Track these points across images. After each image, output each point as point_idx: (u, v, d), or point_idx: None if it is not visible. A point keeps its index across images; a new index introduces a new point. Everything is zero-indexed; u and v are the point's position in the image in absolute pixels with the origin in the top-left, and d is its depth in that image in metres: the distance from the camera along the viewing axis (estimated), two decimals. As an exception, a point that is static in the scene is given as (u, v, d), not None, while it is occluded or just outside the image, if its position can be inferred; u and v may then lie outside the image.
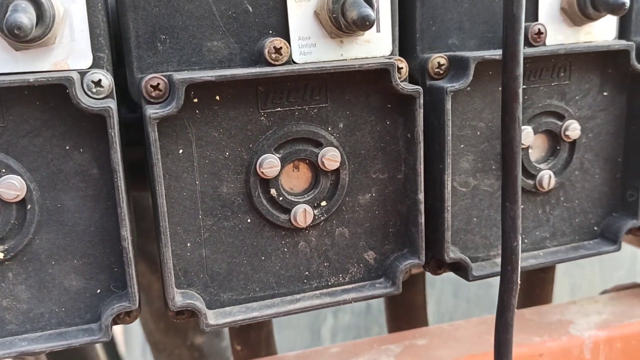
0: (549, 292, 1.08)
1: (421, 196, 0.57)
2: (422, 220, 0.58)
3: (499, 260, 0.64)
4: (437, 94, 0.57)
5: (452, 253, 0.60)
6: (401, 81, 0.57)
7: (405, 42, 0.60)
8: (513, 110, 0.50)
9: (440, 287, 1.82)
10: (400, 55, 0.59)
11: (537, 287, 1.07)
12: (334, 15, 0.53)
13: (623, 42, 0.63)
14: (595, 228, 0.68)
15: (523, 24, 0.48)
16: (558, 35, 0.63)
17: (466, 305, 1.80)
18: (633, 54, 0.62)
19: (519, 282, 0.54)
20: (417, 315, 0.98)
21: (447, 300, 1.81)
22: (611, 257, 1.71)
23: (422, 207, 0.58)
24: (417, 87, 0.55)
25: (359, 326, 1.94)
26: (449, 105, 0.56)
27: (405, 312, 0.98)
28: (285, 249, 0.57)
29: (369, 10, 0.51)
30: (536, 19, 0.62)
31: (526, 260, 0.64)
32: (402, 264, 0.59)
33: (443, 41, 0.60)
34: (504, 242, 0.53)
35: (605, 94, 0.65)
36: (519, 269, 0.53)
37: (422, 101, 0.56)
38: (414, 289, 0.97)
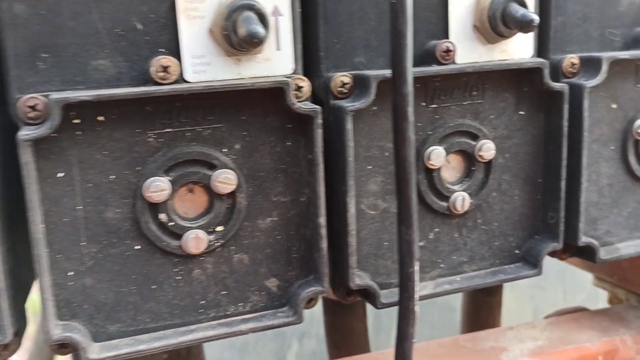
0: (496, 316, 1.06)
1: (322, 220, 0.55)
2: (324, 245, 0.56)
3: (413, 285, 0.62)
4: (339, 114, 0.55)
5: (359, 279, 0.58)
6: (302, 100, 0.55)
7: (311, 61, 0.58)
8: (403, 130, 0.48)
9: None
10: (305, 74, 0.57)
11: (482, 311, 1.05)
12: (226, 33, 0.51)
13: (537, 59, 0.61)
14: (516, 251, 0.66)
15: (410, 41, 0.46)
16: (471, 53, 0.61)
17: (430, 331, 1.76)
18: (546, 72, 0.60)
19: (417, 310, 0.51)
20: (357, 342, 0.95)
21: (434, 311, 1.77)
22: (574, 280, 1.69)
23: (323, 231, 0.55)
24: (314, 106, 0.53)
25: (323, 351, 1.90)
26: (349, 126, 0.54)
27: (345, 339, 0.95)
28: (179, 277, 0.54)
29: (258, 28, 0.49)
30: (447, 37, 0.60)
31: (441, 286, 0.62)
32: (304, 291, 0.56)
33: (349, 59, 0.58)
34: (400, 268, 0.50)
35: (521, 112, 0.63)
36: (416, 296, 0.51)
37: (320, 121, 0.53)
38: (352, 315, 0.94)
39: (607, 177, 0.68)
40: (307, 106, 0.53)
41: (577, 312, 0.91)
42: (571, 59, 0.65)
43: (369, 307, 0.79)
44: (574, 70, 0.65)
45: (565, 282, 1.69)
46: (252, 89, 0.52)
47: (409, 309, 0.51)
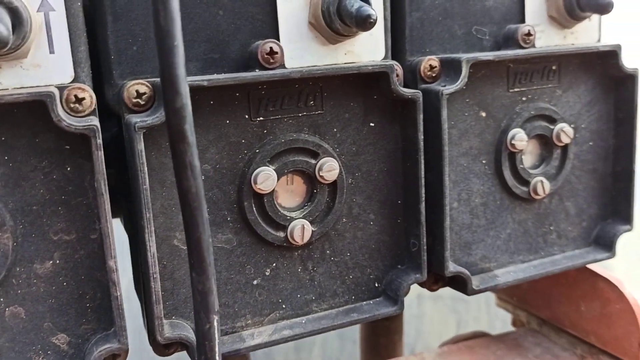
0: (397, 342, 0.97)
1: (112, 263, 0.45)
2: (118, 293, 0.45)
3: (247, 332, 0.52)
4: (129, 131, 0.45)
5: (169, 331, 0.48)
6: (84, 116, 0.44)
7: (103, 67, 0.48)
8: (181, 153, 0.38)
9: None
10: (97, 81, 0.47)
11: (382, 337, 0.96)
12: None
13: (383, 62, 0.52)
14: (376, 284, 0.57)
15: (180, 41, 0.36)
16: (308, 55, 0.52)
17: (352, 347, 1.68)
18: (393, 77, 0.51)
19: (219, 375, 0.41)
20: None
21: (333, 342, 1.68)
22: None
23: (114, 276, 0.45)
24: (92, 123, 0.43)
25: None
26: (140, 145, 0.44)
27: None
28: None
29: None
30: (276, 36, 0.51)
31: (280, 332, 0.52)
32: (99, 348, 0.46)
33: (148, 64, 0.48)
34: (196, 324, 0.40)
35: (372, 124, 0.54)
36: (217, 358, 0.41)
37: (99, 141, 0.43)
38: None
39: (480, 196, 0.60)
40: (83, 123, 0.43)
41: (474, 339, 0.83)
42: (430, 61, 0.56)
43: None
44: (434, 74, 0.56)
45: (488, 295, 1.63)
46: (13, 103, 0.42)
47: (207, 374, 0.41)
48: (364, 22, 0.47)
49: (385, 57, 0.55)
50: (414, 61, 0.57)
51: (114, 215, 0.56)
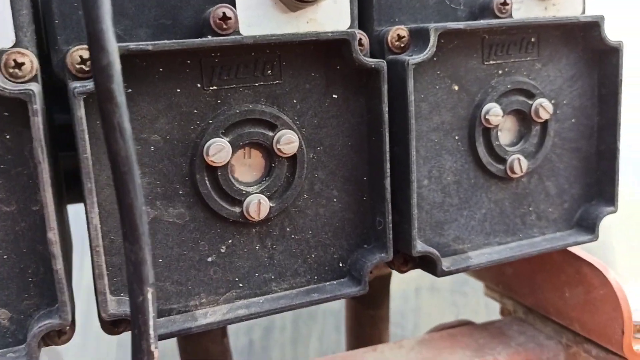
0: (383, 331, 0.95)
1: (52, 235, 0.43)
2: (60, 266, 0.43)
3: (201, 311, 0.50)
4: (69, 97, 0.43)
5: (115, 308, 0.46)
6: (24, 82, 0.43)
7: (48, 33, 0.46)
8: (109, 114, 0.35)
9: (322, 321, 1.67)
10: (41, 47, 0.45)
11: (366, 327, 0.94)
12: None
13: (345, 30, 0.50)
14: (340, 264, 0.55)
15: (105, -7, 0.34)
16: (267, 22, 0.50)
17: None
18: (355, 45, 0.49)
19: (155, 352, 0.39)
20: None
21: (330, 335, 1.66)
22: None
23: (54, 249, 0.43)
24: (28, 88, 0.41)
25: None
26: (80, 113, 0.42)
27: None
28: None
29: None
30: (233, 3, 0.48)
31: (235, 311, 0.50)
32: (39, 324, 0.44)
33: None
34: (130, 297, 0.38)
35: (334, 96, 0.52)
36: (152, 333, 0.39)
37: (37, 106, 0.41)
38: (208, 339, 0.82)
39: (452, 173, 0.57)
40: (20, 87, 0.41)
41: (459, 327, 0.80)
42: (398, 31, 0.54)
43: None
44: (402, 45, 0.54)
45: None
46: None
47: (142, 349, 0.39)
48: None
49: (352, 27, 0.53)
50: (382, 31, 0.54)
51: (78, 200, 0.55)
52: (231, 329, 1.63)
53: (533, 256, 0.62)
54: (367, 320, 0.93)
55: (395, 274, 1.53)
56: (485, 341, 0.74)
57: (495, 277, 0.83)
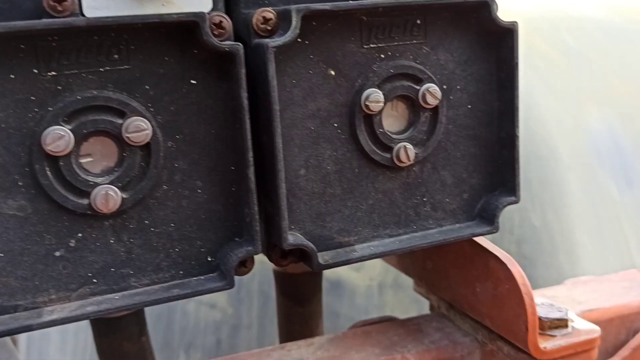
0: (314, 328, 0.92)
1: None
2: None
3: (49, 308, 0.48)
4: None
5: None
6: None
7: None
8: None
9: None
10: None
11: (296, 324, 0.91)
12: None
13: (198, 12, 0.47)
14: (209, 258, 0.52)
15: None
16: (118, 5, 0.47)
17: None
18: (206, 27, 0.46)
19: None
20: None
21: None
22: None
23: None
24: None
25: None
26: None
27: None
28: None
29: None
30: (76, -17, 0.46)
31: (84, 308, 0.48)
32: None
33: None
34: None
35: (193, 82, 0.49)
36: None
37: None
38: (123, 336, 0.80)
39: (333, 162, 0.55)
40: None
41: (378, 324, 0.78)
42: (264, 13, 0.51)
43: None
44: (269, 27, 0.51)
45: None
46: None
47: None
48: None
49: (215, 9, 0.50)
50: (249, 14, 0.52)
51: None
52: (198, 327, 1.62)
53: (433, 248, 0.60)
54: (297, 317, 0.90)
55: (362, 271, 1.51)
56: (399, 339, 0.72)
57: (419, 272, 0.80)
